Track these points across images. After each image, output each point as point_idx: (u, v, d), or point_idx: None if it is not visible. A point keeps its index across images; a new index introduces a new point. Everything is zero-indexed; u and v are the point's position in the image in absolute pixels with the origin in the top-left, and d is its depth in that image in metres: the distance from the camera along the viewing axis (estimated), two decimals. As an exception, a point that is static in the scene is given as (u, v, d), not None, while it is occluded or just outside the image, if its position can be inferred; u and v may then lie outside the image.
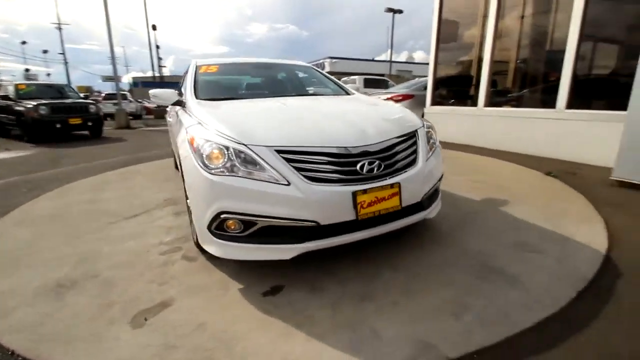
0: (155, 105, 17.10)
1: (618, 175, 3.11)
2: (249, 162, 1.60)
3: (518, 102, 5.27)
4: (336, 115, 2.02)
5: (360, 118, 1.98)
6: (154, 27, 27.25)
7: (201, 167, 1.64)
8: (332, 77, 3.29)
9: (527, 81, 5.43)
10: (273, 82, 3.18)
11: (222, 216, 1.59)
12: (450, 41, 6.39)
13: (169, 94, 2.60)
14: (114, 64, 11.65)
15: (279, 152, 1.61)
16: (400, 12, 24.17)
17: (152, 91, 2.68)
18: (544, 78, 5.05)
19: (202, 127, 1.82)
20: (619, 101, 4.04)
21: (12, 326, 1.52)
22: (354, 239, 1.70)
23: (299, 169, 1.58)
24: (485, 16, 5.60)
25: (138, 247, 2.25)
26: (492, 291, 1.66)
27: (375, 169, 1.70)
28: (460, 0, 6.19)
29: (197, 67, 2.90)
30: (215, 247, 1.69)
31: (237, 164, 1.60)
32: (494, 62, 5.34)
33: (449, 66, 6.54)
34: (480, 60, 5.91)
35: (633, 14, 4.01)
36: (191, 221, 2.03)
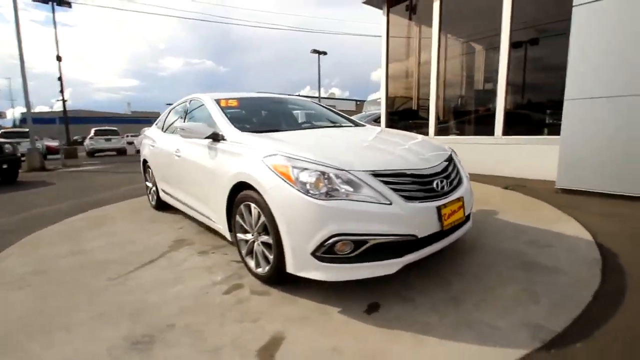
0: (60, 143, 14.87)
1: (561, 185, 3.99)
2: (351, 185, 1.72)
3: (462, 131, 6.29)
4: (391, 144, 2.28)
5: (409, 146, 2.27)
6: (58, 58, 24.27)
7: (304, 194, 1.70)
8: (337, 111, 3.58)
9: (469, 115, 6.53)
10: (292, 115, 3.32)
11: (334, 239, 1.65)
12: (398, 80, 7.36)
13: (201, 127, 2.55)
14: (26, 97, 10.05)
15: (375, 175, 1.77)
16: (325, 53, 26.39)
17: (183, 125, 2.58)
18: (483, 111, 6.17)
19: (286, 156, 1.88)
20: (542, 128, 5.19)
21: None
22: (438, 248, 1.92)
23: (394, 190, 1.77)
24: (420, 63, 6.72)
25: (191, 292, 2.07)
26: (545, 279, 2.02)
27: (445, 187, 1.98)
28: (402, 50, 7.27)
29: (217, 101, 2.89)
30: (321, 271, 1.72)
31: (339, 189, 1.71)
32: (441, 99, 6.34)
33: (398, 101, 7.47)
34: (419, 98, 6.96)
35: (545, 64, 5.31)
36: (243, 254, 1.99)
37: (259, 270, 2.11)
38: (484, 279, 2.06)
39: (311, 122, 3.20)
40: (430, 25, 6.23)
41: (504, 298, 1.84)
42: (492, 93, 5.46)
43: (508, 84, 5.23)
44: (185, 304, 1.93)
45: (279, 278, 1.98)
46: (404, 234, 1.72)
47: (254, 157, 2.03)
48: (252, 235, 2.14)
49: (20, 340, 1.66)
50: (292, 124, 3.03)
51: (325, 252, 1.70)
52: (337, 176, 1.73)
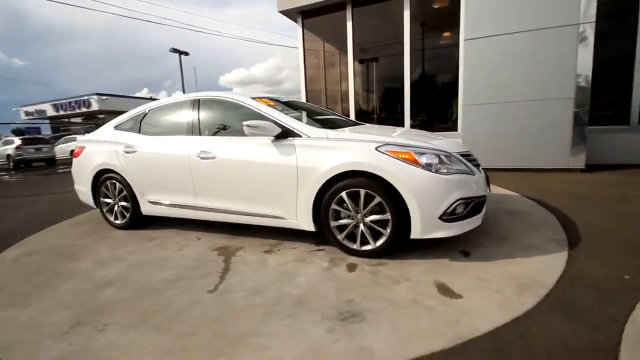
0: None
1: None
2: (455, 163, 2.31)
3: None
4: (425, 135, 2.95)
5: (434, 137, 3.01)
6: None
7: (432, 172, 2.18)
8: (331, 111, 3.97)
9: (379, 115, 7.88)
10: (320, 113, 3.51)
11: (457, 202, 2.20)
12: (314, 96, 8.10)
13: (269, 125, 2.54)
14: None
15: (461, 155, 2.42)
16: (186, 53, 24.42)
17: (251, 122, 2.49)
18: (387, 114, 7.60)
19: (399, 144, 2.29)
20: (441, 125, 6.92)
21: None
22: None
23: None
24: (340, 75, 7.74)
25: (321, 277, 2.18)
26: (524, 218, 3.14)
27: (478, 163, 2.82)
28: (316, 62, 8.05)
29: (256, 99, 2.87)
30: (445, 230, 2.23)
31: (451, 166, 2.27)
32: (358, 103, 7.46)
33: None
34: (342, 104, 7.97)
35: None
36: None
37: (367, 247, 2.40)
38: (502, 225, 3.01)
39: (338, 122, 3.46)
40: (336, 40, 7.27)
41: (522, 232, 2.82)
42: (400, 98, 6.94)
43: (411, 91, 6.79)
44: (336, 286, 2.05)
45: (391, 249, 2.36)
46: (482, 195, 2.44)
47: (366, 148, 2.33)
48: (354, 219, 2.41)
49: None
50: (334, 123, 3.24)
51: (449, 215, 2.23)
52: (447, 156, 2.29)
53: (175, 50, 23.67)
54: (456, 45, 6.37)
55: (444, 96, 6.84)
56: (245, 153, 2.71)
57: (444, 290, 1.95)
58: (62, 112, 30.33)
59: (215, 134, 3.01)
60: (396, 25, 6.81)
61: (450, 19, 6.41)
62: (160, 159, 3.10)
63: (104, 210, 3.57)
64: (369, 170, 2.28)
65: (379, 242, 2.37)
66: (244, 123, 2.53)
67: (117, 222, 3.51)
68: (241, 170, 2.73)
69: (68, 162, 17.09)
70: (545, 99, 5.00)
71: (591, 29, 4.65)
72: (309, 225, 2.57)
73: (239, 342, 1.58)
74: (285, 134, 2.58)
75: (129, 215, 3.41)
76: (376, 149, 2.31)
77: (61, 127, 28.56)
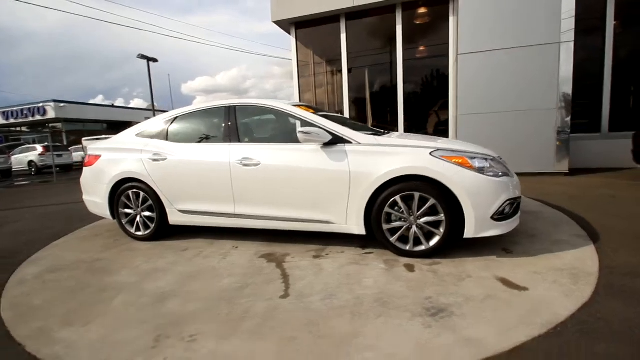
0: None
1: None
2: (499, 166, 2.51)
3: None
4: (453, 142, 3.16)
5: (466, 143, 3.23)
6: None
7: (484, 175, 2.36)
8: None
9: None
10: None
11: (506, 203, 2.39)
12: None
13: (321, 132, 2.60)
14: None
15: (500, 159, 2.63)
16: (156, 60, 23.53)
17: (306, 129, 2.53)
18: (376, 123, 7.87)
19: (451, 150, 2.45)
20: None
21: None
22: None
23: (507, 168, 2.68)
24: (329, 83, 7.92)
25: (383, 279, 2.25)
26: (535, 215, 3.43)
27: (505, 167, 3.06)
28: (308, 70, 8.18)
29: (297, 106, 2.92)
30: (495, 229, 2.40)
31: (497, 169, 2.46)
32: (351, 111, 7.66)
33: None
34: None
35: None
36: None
37: (420, 248, 2.52)
38: (525, 224, 3.26)
39: (365, 128, 3.56)
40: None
41: (545, 229, 3.08)
42: (391, 106, 7.24)
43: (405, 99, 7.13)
44: (406, 285, 2.13)
45: (442, 249, 2.49)
46: (519, 195, 2.66)
47: (421, 153, 2.46)
48: (406, 221, 2.52)
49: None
50: (366, 129, 3.34)
51: (499, 215, 2.41)
52: (494, 160, 2.49)
53: (143, 57, 22.72)
54: (444, 56, 6.83)
55: (434, 106, 7.26)
56: (293, 159, 2.74)
57: (509, 284, 2.10)
58: (12, 120, 27.80)
59: (255, 141, 3.01)
60: (387, 37, 7.16)
61: (436, 34, 6.86)
62: (196, 167, 3.03)
63: (123, 221, 3.39)
64: (427, 174, 2.41)
65: (432, 243, 2.50)
66: (299, 130, 2.58)
67: (139, 233, 3.34)
68: (288, 176, 2.75)
69: (25, 174, 15.76)
70: (532, 109, 5.50)
71: (570, 47, 5.22)
72: (359, 229, 2.64)
73: (345, 343, 1.62)
74: (335, 140, 2.65)
75: (154, 225, 3.27)
76: (430, 154, 2.45)
77: (10, 136, 26.17)
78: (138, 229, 3.35)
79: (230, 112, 3.08)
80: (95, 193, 3.49)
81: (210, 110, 3.21)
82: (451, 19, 6.64)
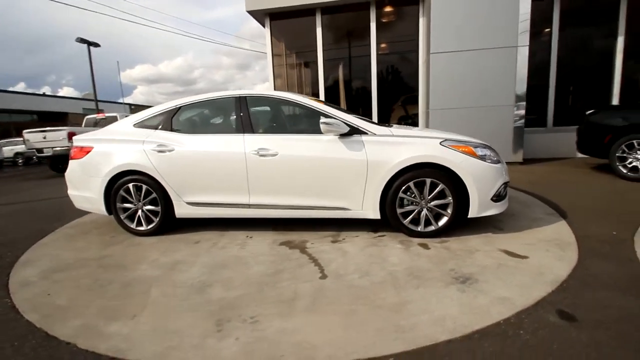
0: None
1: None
2: (495, 154, 2.86)
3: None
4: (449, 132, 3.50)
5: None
6: None
7: (486, 162, 2.69)
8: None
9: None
10: None
11: (502, 185, 2.75)
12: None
13: (340, 123, 2.74)
14: None
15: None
16: (97, 45, 21.37)
17: (327, 120, 2.65)
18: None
19: (456, 140, 2.75)
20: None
21: None
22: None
23: (496, 155, 3.07)
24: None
25: (409, 259, 2.49)
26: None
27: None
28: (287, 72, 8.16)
29: (311, 99, 3.01)
30: (494, 209, 2.76)
31: (494, 156, 2.81)
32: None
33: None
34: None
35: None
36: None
37: (430, 228, 2.80)
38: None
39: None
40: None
41: (521, 209, 3.56)
42: (364, 100, 7.56)
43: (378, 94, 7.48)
44: (428, 260, 2.38)
45: (448, 228, 2.80)
46: (509, 180, 3.06)
47: (432, 143, 2.72)
48: (418, 205, 2.79)
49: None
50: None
51: (496, 196, 2.76)
52: (491, 149, 2.84)
53: (83, 41, 20.54)
54: (415, 51, 7.29)
55: (402, 100, 7.73)
56: (311, 149, 2.85)
57: (511, 254, 2.46)
58: None
59: (269, 131, 3.05)
60: (362, 32, 7.44)
61: (407, 32, 7.30)
62: (208, 157, 2.99)
63: (122, 216, 3.22)
64: (438, 162, 2.68)
65: (441, 223, 2.79)
66: (322, 121, 2.69)
67: (141, 228, 3.20)
68: (307, 165, 2.85)
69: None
70: (494, 105, 6.14)
71: (525, 51, 5.92)
72: (375, 214, 2.85)
73: (400, 310, 1.81)
74: (352, 131, 2.82)
75: (158, 219, 3.16)
76: (440, 143, 2.73)
77: None
78: (139, 224, 3.21)
79: (240, 102, 3.07)
80: (86, 187, 3.26)
81: (218, 100, 3.17)
82: (420, 20, 7.09)
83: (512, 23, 5.88)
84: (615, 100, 6.72)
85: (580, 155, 6.12)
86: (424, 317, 1.74)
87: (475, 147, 2.77)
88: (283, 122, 3.17)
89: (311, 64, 7.93)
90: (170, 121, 3.18)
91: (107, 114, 11.45)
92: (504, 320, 1.69)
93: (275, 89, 8.00)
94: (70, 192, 3.42)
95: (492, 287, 2.00)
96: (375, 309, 1.84)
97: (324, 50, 7.60)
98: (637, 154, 4.45)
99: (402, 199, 2.80)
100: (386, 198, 2.80)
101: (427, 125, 6.69)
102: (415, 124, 7.50)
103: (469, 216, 2.76)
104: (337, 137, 2.82)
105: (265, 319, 1.80)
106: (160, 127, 3.18)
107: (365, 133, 2.83)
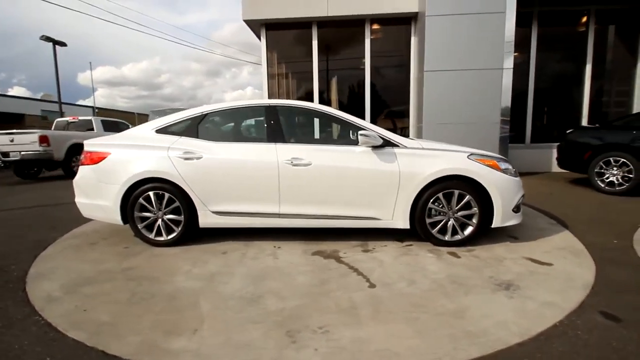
0: None
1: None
2: (512, 167, 3.09)
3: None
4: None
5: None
6: None
7: (508, 174, 2.90)
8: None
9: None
10: None
11: (522, 197, 2.97)
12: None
13: (376, 135, 2.83)
14: None
15: (508, 163, 3.24)
16: (64, 44, 20.08)
17: (364, 132, 2.73)
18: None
19: (480, 154, 2.94)
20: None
21: None
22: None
23: (511, 170, 3.30)
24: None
25: (431, 267, 2.60)
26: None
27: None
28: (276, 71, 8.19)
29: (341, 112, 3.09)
30: (515, 219, 2.97)
31: (511, 170, 3.03)
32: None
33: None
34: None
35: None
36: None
37: (456, 237, 2.95)
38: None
39: None
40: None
41: (525, 220, 3.82)
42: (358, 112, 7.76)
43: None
44: (465, 269, 2.50)
45: (473, 237, 2.96)
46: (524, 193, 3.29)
47: (460, 157, 2.89)
48: (445, 215, 2.92)
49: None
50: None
51: (516, 207, 2.97)
52: (509, 163, 3.05)
53: (48, 39, 19.28)
54: (405, 67, 7.64)
55: (388, 114, 8.06)
56: (345, 160, 2.91)
57: (537, 262, 2.65)
58: None
59: (301, 141, 3.07)
60: (356, 46, 7.69)
61: (399, 50, 7.65)
62: (239, 166, 2.95)
63: (139, 226, 3.06)
64: (467, 174, 2.84)
65: (467, 232, 2.95)
66: (361, 133, 2.77)
67: (160, 239, 3.06)
68: (340, 175, 2.91)
69: None
70: (482, 122, 6.56)
71: (510, 73, 6.42)
72: (404, 224, 2.95)
73: (461, 316, 1.90)
74: (385, 143, 2.92)
75: (179, 229, 3.04)
76: (467, 157, 2.90)
77: None
78: (159, 234, 3.07)
79: (271, 112, 3.08)
80: (100, 195, 3.07)
81: (246, 109, 3.17)
82: (412, 39, 7.47)
83: (498, 47, 6.37)
84: (584, 121, 7.46)
85: (556, 169, 6.69)
86: (488, 322, 1.83)
87: (499, 160, 2.97)
88: (313, 132, 3.21)
89: (305, 74, 8.03)
90: (195, 128, 3.10)
91: (80, 117, 10.78)
92: (559, 323, 1.83)
93: (269, 98, 7.99)
94: (78, 199, 3.20)
95: (535, 293, 2.15)
96: (437, 316, 1.91)
97: (319, 61, 7.75)
98: (613, 169, 4.96)
99: (430, 209, 2.92)
100: (416, 208, 2.91)
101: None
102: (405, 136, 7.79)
103: (492, 226, 2.94)
104: (369, 148, 2.91)
105: (335, 328, 1.81)
106: (184, 133, 3.09)
107: (397, 145, 2.95)
